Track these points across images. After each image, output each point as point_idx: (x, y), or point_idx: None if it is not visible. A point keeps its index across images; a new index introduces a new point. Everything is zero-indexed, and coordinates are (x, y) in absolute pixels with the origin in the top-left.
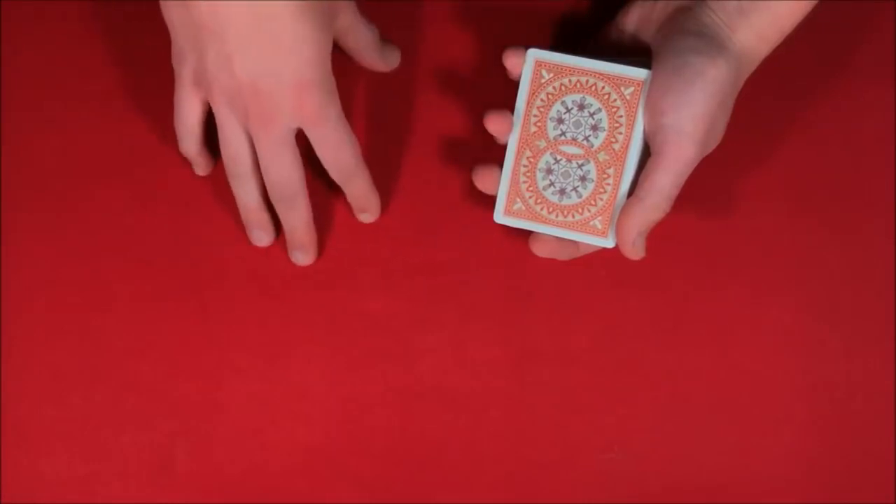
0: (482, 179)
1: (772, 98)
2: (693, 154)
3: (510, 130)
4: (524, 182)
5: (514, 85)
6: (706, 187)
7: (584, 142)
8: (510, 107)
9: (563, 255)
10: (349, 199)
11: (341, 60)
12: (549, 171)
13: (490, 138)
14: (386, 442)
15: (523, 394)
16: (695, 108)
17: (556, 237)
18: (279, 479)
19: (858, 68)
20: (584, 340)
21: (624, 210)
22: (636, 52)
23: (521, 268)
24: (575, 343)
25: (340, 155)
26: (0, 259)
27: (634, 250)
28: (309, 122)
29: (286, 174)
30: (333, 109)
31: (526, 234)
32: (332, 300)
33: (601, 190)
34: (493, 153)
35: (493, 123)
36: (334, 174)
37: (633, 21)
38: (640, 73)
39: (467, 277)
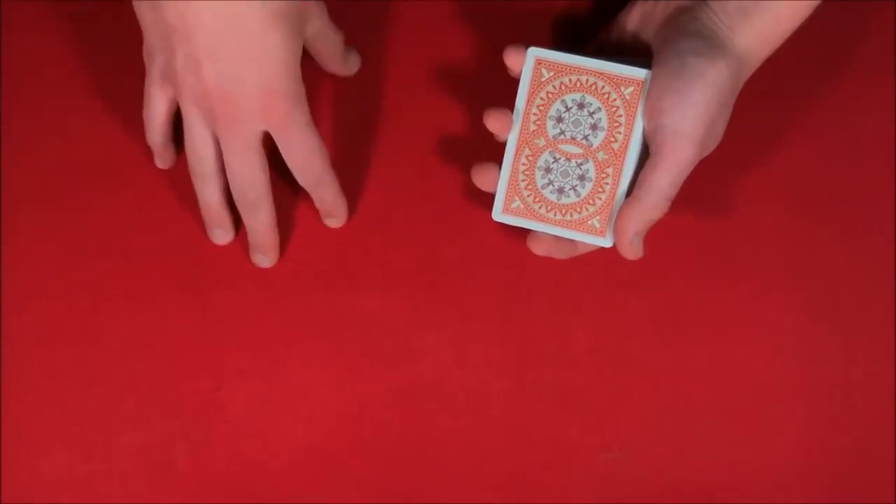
0: (481, 177)
1: (772, 98)
2: (692, 155)
3: (510, 128)
4: (523, 180)
5: (514, 84)
6: (706, 187)
7: (584, 141)
8: (510, 105)
9: (561, 253)
10: (316, 203)
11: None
12: (548, 170)
13: (489, 137)
14: (386, 442)
15: (523, 394)
16: (695, 110)
17: (554, 236)
18: (279, 479)
19: (858, 68)
20: (584, 340)
21: (622, 210)
22: (637, 53)
23: (520, 268)
24: (575, 343)
25: (308, 161)
26: (0, 259)
27: (632, 250)
28: (276, 128)
29: (250, 178)
30: (301, 116)
31: (526, 234)
32: (332, 300)
33: (599, 189)
34: (493, 152)
35: (493, 121)
36: (301, 180)
37: (634, 21)
38: (639, 73)
39: (467, 277)
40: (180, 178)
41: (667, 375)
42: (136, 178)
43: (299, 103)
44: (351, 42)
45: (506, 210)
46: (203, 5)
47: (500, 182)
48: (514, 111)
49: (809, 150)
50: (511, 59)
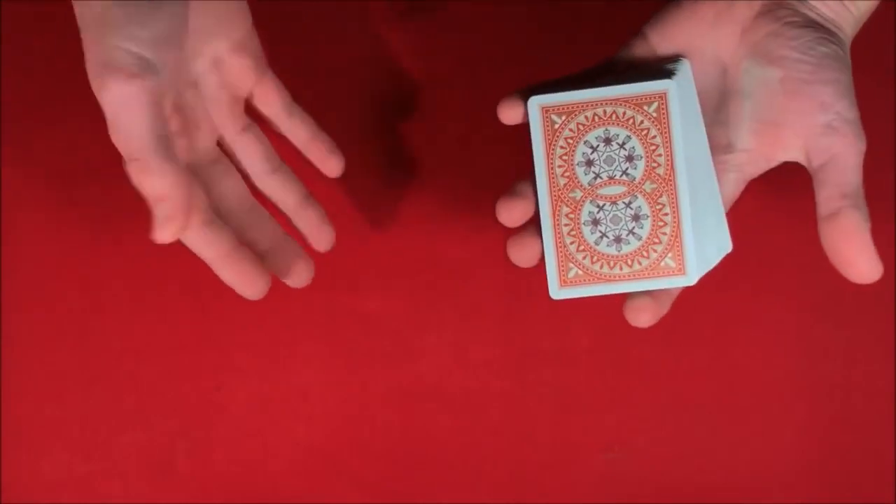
0: (521, 253)
1: None
2: (863, 141)
3: (531, 211)
4: (572, 242)
5: (514, 80)
6: None
7: (623, 177)
8: (520, 148)
9: (664, 308)
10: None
11: (335, 54)
12: (596, 222)
13: (491, 134)
14: (386, 442)
15: (523, 394)
16: (851, 95)
17: (652, 295)
18: (279, 479)
19: (858, 68)
20: (584, 340)
21: (845, 230)
22: (660, 62)
23: (520, 268)
24: (575, 343)
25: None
26: (0, 259)
27: (879, 265)
28: None
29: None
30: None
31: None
32: (332, 300)
33: (660, 223)
34: (496, 152)
35: (508, 212)
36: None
37: (706, 19)
38: (660, 86)
39: (467, 277)
40: None
41: (667, 375)
42: None
43: None
44: (350, 41)
45: (564, 283)
46: None
47: (546, 253)
48: (535, 169)
49: None
50: (507, 113)
